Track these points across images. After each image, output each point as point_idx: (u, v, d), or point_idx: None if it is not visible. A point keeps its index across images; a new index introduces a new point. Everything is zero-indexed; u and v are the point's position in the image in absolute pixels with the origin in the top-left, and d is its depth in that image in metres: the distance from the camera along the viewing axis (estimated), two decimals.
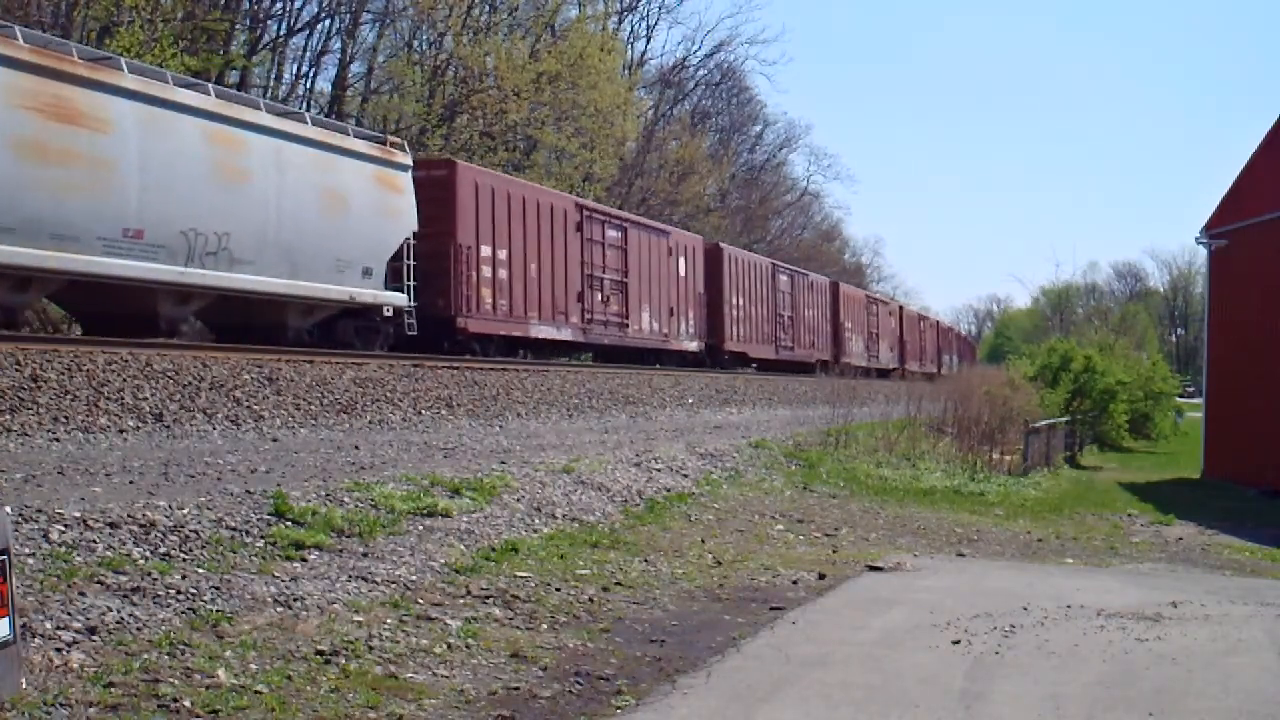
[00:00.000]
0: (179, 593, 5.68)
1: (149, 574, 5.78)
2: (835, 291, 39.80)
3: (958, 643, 6.47)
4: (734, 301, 29.93)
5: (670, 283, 26.20)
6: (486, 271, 19.10)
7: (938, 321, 62.64)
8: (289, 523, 7.13)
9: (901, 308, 52.28)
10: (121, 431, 9.88)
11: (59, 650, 4.77)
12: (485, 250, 19.08)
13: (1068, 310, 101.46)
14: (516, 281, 19.94)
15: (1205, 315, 29.20)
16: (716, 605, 7.48)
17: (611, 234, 23.74)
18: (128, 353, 11.47)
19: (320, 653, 5.38)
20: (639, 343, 24.94)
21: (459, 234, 18.40)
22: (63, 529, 5.99)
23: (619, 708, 5.20)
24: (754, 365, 32.20)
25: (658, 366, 24.68)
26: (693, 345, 27.29)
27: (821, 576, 8.58)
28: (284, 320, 15.32)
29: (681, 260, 26.90)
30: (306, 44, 33.55)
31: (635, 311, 24.60)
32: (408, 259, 16.92)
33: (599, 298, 23.06)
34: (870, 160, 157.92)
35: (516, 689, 5.36)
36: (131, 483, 7.45)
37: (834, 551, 10.04)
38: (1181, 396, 49.68)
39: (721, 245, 30.62)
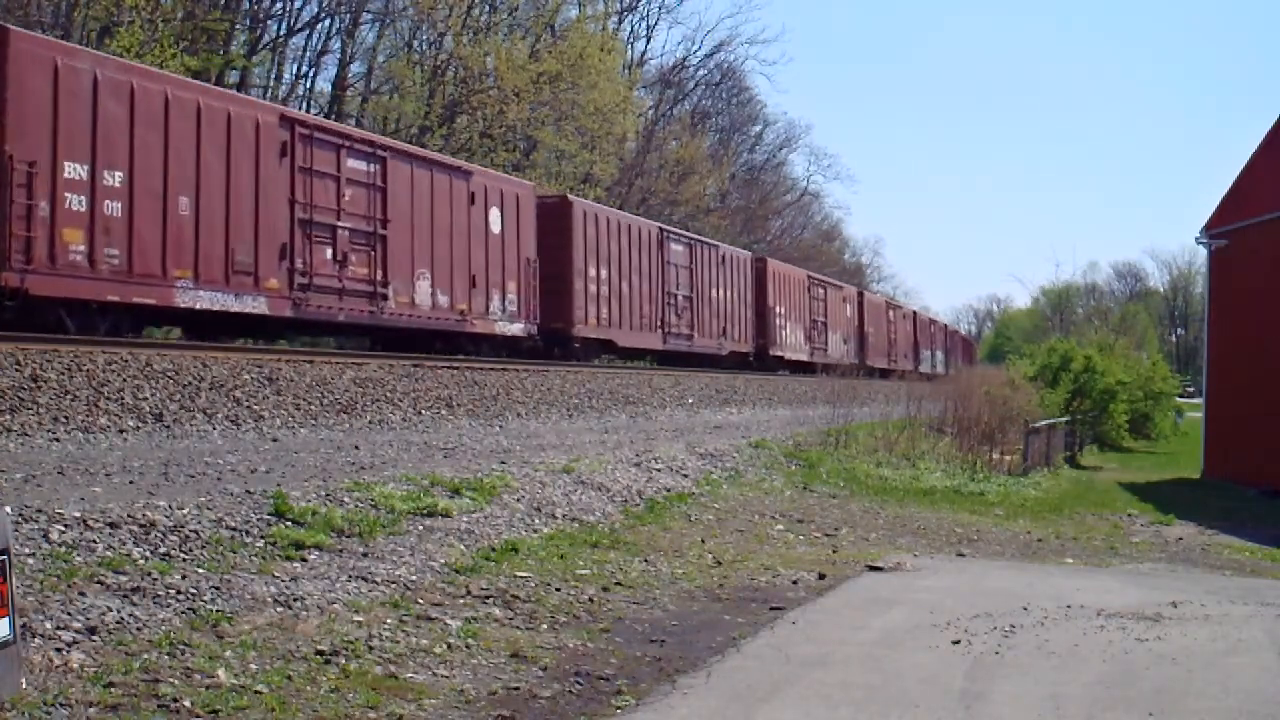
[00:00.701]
0: (179, 593, 5.68)
1: (149, 574, 5.79)
2: (761, 269, 32.49)
3: (958, 643, 6.47)
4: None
5: (479, 240, 19.09)
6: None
7: (915, 313, 55.57)
8: (289, 523, 7.13)
9: (862, 294, 44.39)
10: (121, 431, 9.88)
11: (59, 650, 4.77)
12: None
13: (1068, 310, 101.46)
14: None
15: (1205, 315, 29.18)
16: (716, 605, 7.48)
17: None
18: (128, 353, 11.47)
19: (320, 653, 5.38)
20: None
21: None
22: (63, 529, 5.99)
23: (619, 708, 5.20)
24: (615, 356, 24.83)
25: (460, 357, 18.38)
26: (514, 328, 20.03)
27: (821, 576, 8.58)
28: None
29: (496, 211, 19.60)
30: (306, 44, 33.66)
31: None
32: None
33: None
34: (870, 160, 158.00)
35: (516, 689, 5.36)
36: (131, 483, 7.45)
37: (834, 551, 10.04)
38: (1181, 396, 49.68)
39: (571, 198, 23.39)
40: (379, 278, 16.61)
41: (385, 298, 16.70)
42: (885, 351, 44.58)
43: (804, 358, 34.90)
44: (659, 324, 25.58)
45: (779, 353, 33.03)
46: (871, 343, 42.70)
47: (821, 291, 38.02)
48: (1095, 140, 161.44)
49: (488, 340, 19.56)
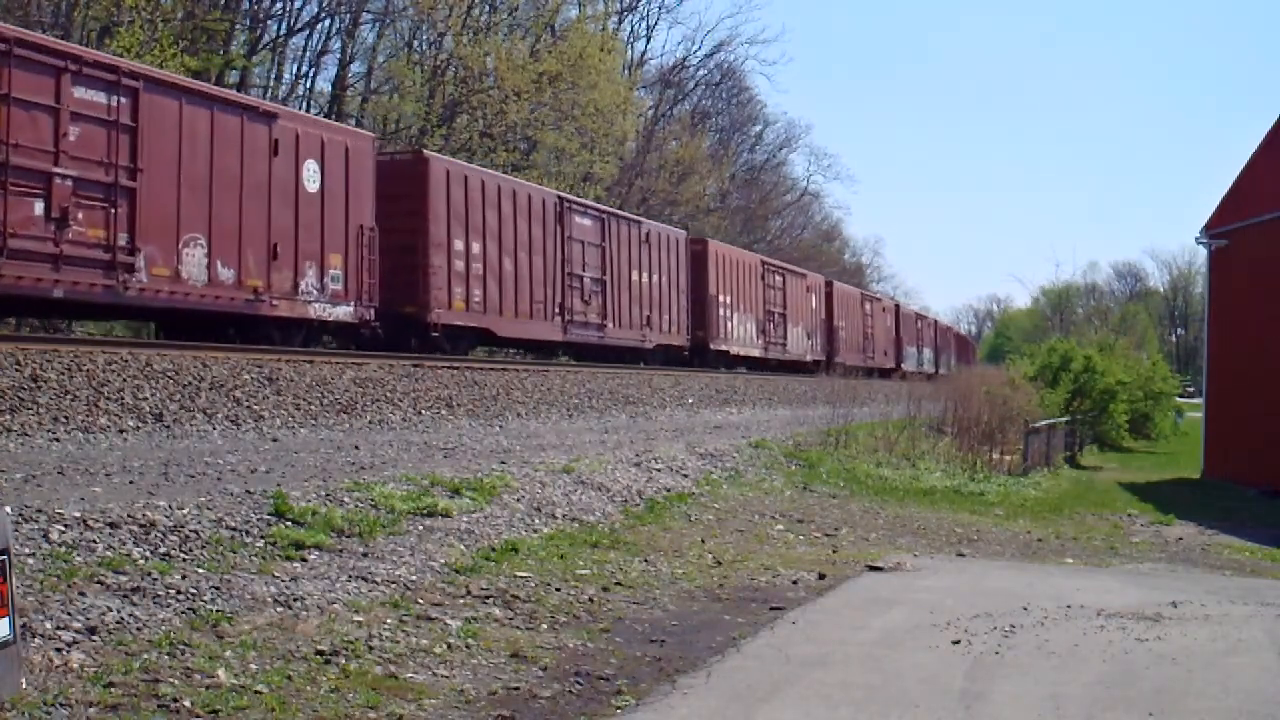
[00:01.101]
0: (179, 593, 5.68)
1: (149, 574, 5.79)
2: (700, 252, 28.97)
3: (958, 643, 6.47)
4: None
5: (285, 200, 15.25)
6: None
7: (898, 306, 52.44)
8: (289, 523, 7.13)
9: (831, 284, 39.80)
10: (121, 431, 9.88)
11: (59, 650, 4.77)
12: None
13: (1068, 310, 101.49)
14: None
15: (1205, 315, 29.18)
16: (716, 605, 7.48)
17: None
18: (128, 353, 11.47)
19: (320, 653, 5.38)
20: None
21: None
22: (63, 529, 5.99)
23: (619, 708, 5.20)
24: (495, 348, 22.58)
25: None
26: (339, 311, 16.12)
27: (821, 576, 8.58)
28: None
29: (314, 164, 15.74)
30: (306, 44, 33.63)
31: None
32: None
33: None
34: (870, 160, 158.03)
35: (516, 689, 5.36)
36: (131, 483, 7.45)
37: (834, 551, 10.04)
38: (1181, 396, 49.68)
39: (429, 154, 19.93)
40: (122, 243, 12.74)
41: (132, 269, 12.84)
42: (860, 347, 40.92)
43: (756, 353, 31.95)
44: (557, 310, 21.65)
45: (723, 346, 29.56)
46: (843, 337, 38.94)
47: (779, 279, 34.17)
48: (1095, 140, 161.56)
49: (299, 326, 15.76)
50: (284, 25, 32.12)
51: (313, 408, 12.40)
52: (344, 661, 5.33)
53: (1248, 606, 7.92)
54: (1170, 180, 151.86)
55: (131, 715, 4.36)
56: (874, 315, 44.70)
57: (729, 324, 30.09)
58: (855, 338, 41.08)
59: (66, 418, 9.64)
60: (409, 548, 7.48)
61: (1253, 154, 24.81)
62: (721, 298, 29.60)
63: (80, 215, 12.33)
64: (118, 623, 5.16)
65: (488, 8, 37.69)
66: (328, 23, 33.16)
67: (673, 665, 5.92)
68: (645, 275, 25.39)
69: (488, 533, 8.38)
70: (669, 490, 11.93)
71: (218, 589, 5.87)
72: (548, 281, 21.31)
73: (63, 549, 5.77)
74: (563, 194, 23.73)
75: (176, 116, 13.59)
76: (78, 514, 6.21)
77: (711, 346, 28.84)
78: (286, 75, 33.57)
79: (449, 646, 5.84)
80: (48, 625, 4.95)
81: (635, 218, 27.10)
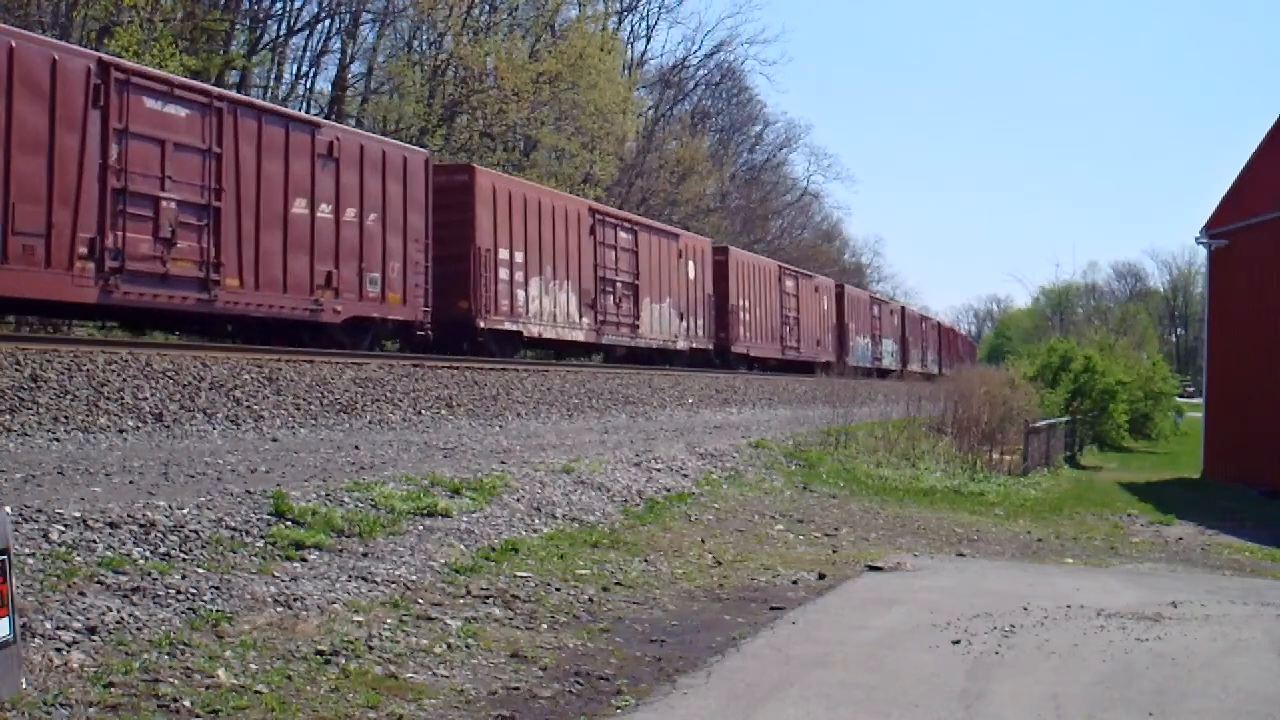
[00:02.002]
0: (179, 593, 5.68)
1: (149, 574, 5.78)
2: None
3: (958, 643, 6.47)
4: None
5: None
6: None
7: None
8: (289, 523, 7.13)
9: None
10: (121, 431, 9.87)
11: (59, 650, 4.77)
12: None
13: (1068, 310, 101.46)
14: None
15: (1205, 315, 29.17)
16: (716, 605, 7.48)
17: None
18: (127, 353, 11.48)
19: (320, 653, 5.38)
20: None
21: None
22: (63, 529, 5.99)
23: (619, 708, 5.20)
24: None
25: None
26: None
27: (821, 576, 8.58)
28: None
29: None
30: (306, 44, 33.62)
31: None
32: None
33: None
34: (870, 160, 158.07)
35: (516, 689, 5.36)
36: (131, 483, 7.45)
37: (834, 551, 10.04)
38: (1181, 396, 49.67)
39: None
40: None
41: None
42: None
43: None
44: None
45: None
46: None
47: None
48: (1095, 140, 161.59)
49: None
50: (284, 25, 32.14)
51: (313, 408, 12.40)
52: (344, 661, 5.33)
53: (1248, 606, 7.92)
54: (1170, 180, 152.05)
55: (131, 715, 4.36)
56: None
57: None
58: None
59: (66, 418, 9.64)
60: (409, 548, 7.48)
61: (1253, 154, 24.79)
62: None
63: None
64: (118, 623, 5.16)
65: (488, 8, 37.69)
66: (328, 23, 33.19)
67: (673, 665, 5.92)
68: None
69: (488, 533, 8.38)
70: (669, 490, 11.93)
71: (218, 589, 5.87)
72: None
73: (63, 549, 5.77)
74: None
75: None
76: (78, 514, 6.21)
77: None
78: (286, 75, 33.60)
79: (449, 646, 5.84)
80: (48, 625, 4.94)
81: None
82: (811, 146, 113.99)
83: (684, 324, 27.37)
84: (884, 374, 41.99)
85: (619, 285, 24.03)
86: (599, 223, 23.42)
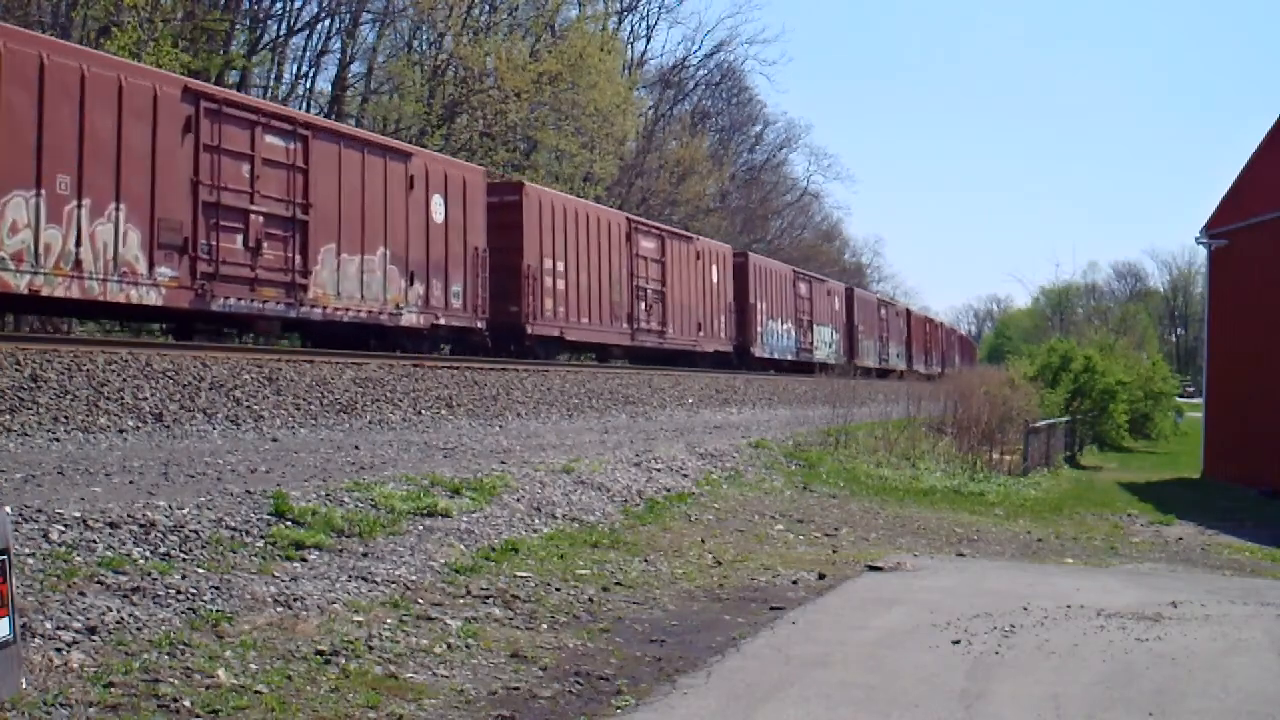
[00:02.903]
0: (179, 593, 5.68)
1: (149, 574, 5.78)
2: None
3: (958, 643, 6.47)
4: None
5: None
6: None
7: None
8: (289, 523, 7.13)
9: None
10: (121, 431, 9.87)
11: (59, 650, 4.77)
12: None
13: (1068, 310, 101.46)
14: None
15: (1205, 315, 29.16)
16: (716, 605, 7.48)
17: None
18: (127, 353, 11.48)
19: (320, 653, 5.37)
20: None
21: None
22: (63, 529, 5.99)
23: (619, 708, 5.20)
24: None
25: None
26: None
27: (821, 576, 8.58)
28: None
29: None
30: (306, 44, 33.62)
31: None
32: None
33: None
34: (870, 160, 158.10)
35: (516, 689, 5.36)
36: (131, 483, 7.45)
37: (834, 551, 10.04)
38: (1181, 396, 49.66)
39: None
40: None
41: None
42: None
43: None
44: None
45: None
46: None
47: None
48: (1095, 140, 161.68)
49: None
50: (284, 25, 32.14)
51: (313, 408, 12.40)
52: (344, 661, 5.33)
53: (1248, 606, 7.92)
54: (1170, 180, 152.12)
55: (131, 715, 4.36)
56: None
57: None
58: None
59: (66, 418, 9.64)
60: (409, 548, 7.48)
61: (1253, 154, 24.78)
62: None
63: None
64: (118, 623, 5.16)
65: (488, 8, 37.69)
66: (328, 23, 33.19)
67: (673, 665, 5.92)
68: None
69: (488, 533, 8.38)
70: (669, 490, 11.93)
71: (218, 589, 5.87)
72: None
73: (63, 549, 5.77)
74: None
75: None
76: (78, 514, 6.21)
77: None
78: (286, 75, 33.60)
79: (449, 646, 5.84)
80: (48, 625, 4.94)
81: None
82: (811, 146, 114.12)
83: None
84: (884, 374, 42.17)
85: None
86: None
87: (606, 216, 24.48)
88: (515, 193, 21.09)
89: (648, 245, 25.70)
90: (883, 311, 45.68)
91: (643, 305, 25.15)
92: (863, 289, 48.44)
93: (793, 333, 34.61)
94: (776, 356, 33.07)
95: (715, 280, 29.37)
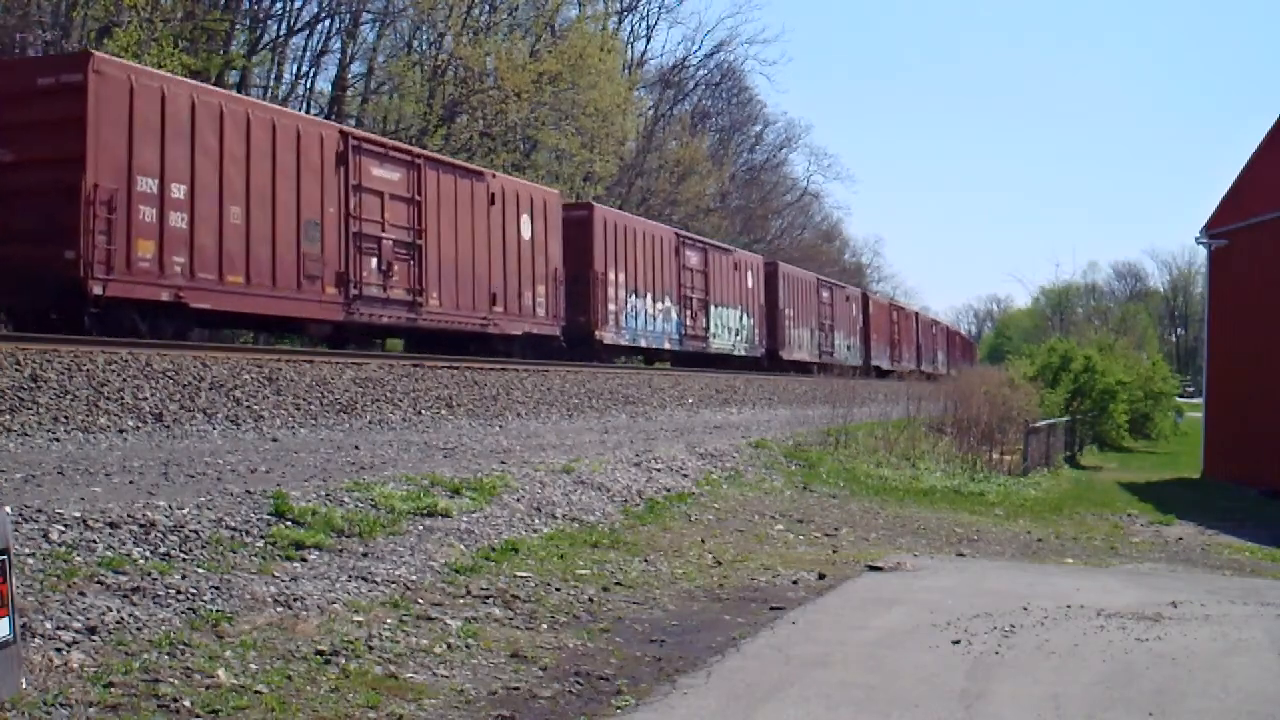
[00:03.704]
0: (179, 593, 5.68)
1: (149, 574, 5.78)
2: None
3: (958, 643, 6.47)
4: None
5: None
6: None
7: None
8: (289, 523, 7.13)
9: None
10: (121, 431, 9.87)
11: (59, 650, 4.77)
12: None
13: (1068, 310, 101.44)
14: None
15: (1205, 315, 29.17)
16: (716, 605, 7.48)
17: None
18: (128, 353, 11.47)
19: (320, 653, 5.37)
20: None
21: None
22: (63, 529, 5.99)
23: (619, 708, 5.20)
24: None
25: None
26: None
27: (821, 576, 8.58)
28: None
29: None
30: (306, 44, 33.60)
31: None
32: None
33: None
34: (870, 160, 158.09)
35: (516, 689, 5.35)
36: (131, 483, 7.45)
37: (834, 551, 10.04)
38: (1181, 396, 49.66)
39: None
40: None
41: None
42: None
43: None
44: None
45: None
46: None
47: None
48: (1095, 140, 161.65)
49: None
50: (284, 25, 32.12)
51: (313, 408, 12.39)
52: (344, 661, 5.33)
53: (1248, 606, 7.92)
54: (1170, 180, 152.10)
55: (131, 715, 4.36)
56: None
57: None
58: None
59: (66, 418, 9.64)
60: (409, 548, 7.48)
61: (1253, 154, 24.78)
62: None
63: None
64: (118, 623, 5.16)
65: (488, 8, 37.68)
66: (328, 23, 33.17)
67: (673, 665, 5.92)
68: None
69: (488, 533, 8.38)
70: (669, 490, 11.92)
71: (218, 589, 5.86)
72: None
73: (63, 549, 5.77)
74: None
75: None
76: (78, 514, 6.21)
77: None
78: (286, 75, 33.58)
79: (449, 646, 5.84)
80: (48, 625, 4.94)
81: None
82: (811, 146, 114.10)
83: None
84: (883, 374, 42.47)
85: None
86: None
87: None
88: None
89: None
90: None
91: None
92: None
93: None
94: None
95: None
